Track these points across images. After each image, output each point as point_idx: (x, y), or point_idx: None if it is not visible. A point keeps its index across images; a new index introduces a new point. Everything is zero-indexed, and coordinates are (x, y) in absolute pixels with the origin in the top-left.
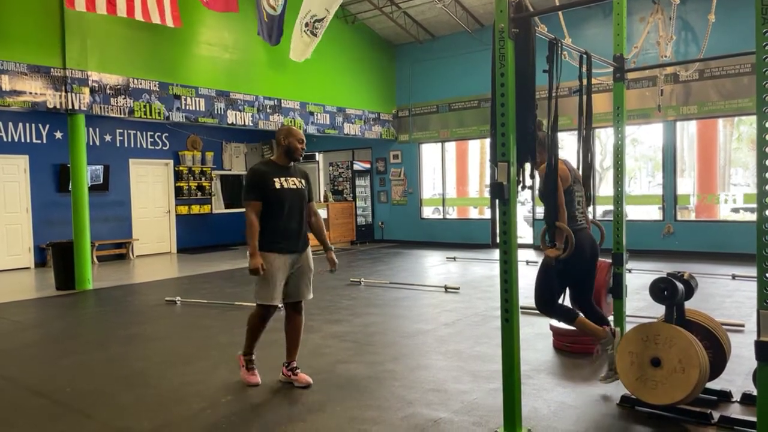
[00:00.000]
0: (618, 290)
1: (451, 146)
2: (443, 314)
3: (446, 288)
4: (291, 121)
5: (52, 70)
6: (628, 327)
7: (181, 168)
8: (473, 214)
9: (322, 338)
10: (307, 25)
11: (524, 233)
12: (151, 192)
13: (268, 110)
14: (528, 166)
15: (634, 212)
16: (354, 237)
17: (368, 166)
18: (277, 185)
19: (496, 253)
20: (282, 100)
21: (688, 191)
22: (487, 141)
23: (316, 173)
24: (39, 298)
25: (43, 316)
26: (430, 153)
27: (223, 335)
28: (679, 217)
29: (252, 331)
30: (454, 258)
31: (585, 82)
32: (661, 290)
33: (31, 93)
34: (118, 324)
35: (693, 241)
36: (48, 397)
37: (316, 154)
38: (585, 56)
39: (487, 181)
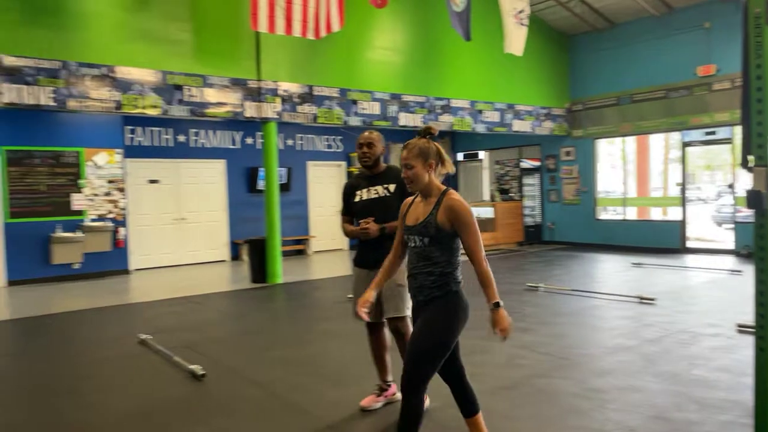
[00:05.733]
0: None
1: (629, 141)
2: (643, 329)
3: (641, 298)
4: (460, 121)
5: (248, 82)
6: None
7: (352, 169)
8: (656, 214)
9: (512, 348)
10: (515, 17)
11: (718, 236)
12: (326, 192)
13: (438, 110)
14: None
15: None
16: (521, 238)
17: (537, 163)
18: (357, 198)
19: (687, 260)
20: (451, 100)
21: None
22: (673, 136)
23: (479, 172)
24: (237, 290)
25: (242, 308)
26: (606, 149)
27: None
28: None
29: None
30: (640, 264)
31: None
32: None
33: (232, 104)
34: (310, 319)
35: None
36: (264, 388)
37: (481, 152)
38: None
39: (673, 179)
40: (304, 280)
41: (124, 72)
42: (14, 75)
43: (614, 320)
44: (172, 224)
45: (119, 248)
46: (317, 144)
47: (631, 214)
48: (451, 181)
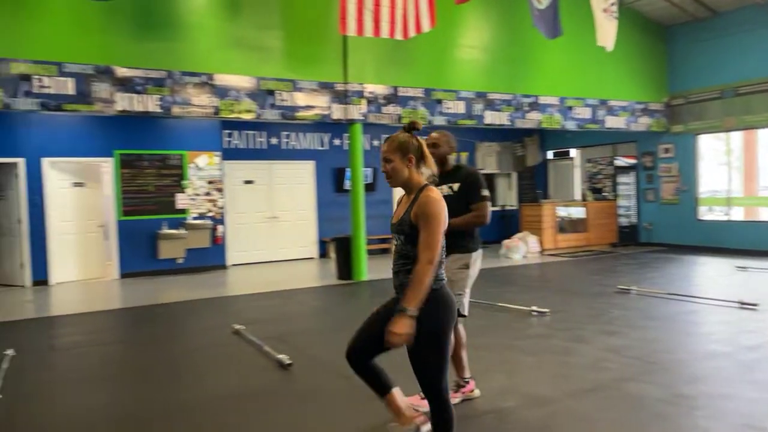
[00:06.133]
0: None
1: (734, 137)
2: (742, 335)
3: (741, 303)
4: (548, 118)
5: (335, 85)
6: None
7: None
8: (765, 215)
9: (599, 351)
10: (605, 10)
11: None
12: None
13: (525, 108)
14: None
15: None
16: (615, 239)
17: (633, 161)
18: None
19: None
20: (539, 97)
21: None
22: None
23: (570, 171)
24: (324, 286)
25: (329, 303)
26: (708, 145)
27: (491, 336)
28: None
29: None
30: (745, 267)
31: None
32: None
33: (320, 107)
34: None
35: None
36: (346, 379)
37: (572, 150)
38: None
39: None
40: (388, 278)
41: (222, 79)
42: (126, 85)
43: (710, 325)
44: (265, 223)
45: (217, 245)
46: None
47: (737, 214)
48: (541, 180)
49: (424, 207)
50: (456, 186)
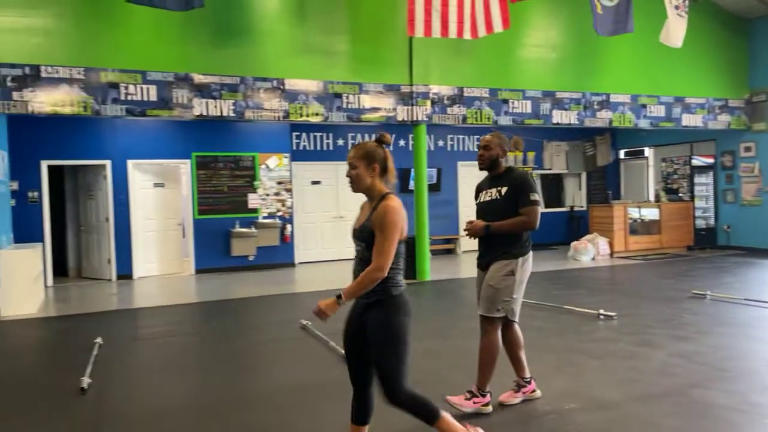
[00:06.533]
0: None
1: None
2: None
3: None
4: (620, 117)
5: (401, 87)
6: None
7: None
8: None
9: (667, 356)
10: (677, 7)
11: None
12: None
13: (595, 106)
14: None
15: None
16: (691, 242)
17: (711, 160)
18: (480, 199)
19: None
20: (610, 95)
21: None
22: None
23: (644, 170)
24: None
25: None
26: None
27: (556, 338)
28: None
29: None
30: None
31: None
32: None
33: (385, 109)
34: (454, 315)
35: None
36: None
37: (646, 149)
38: None
39: None
40: (452, 279)
41: (292, 83)
42: (203, 91)
43: None
44: (332, 222)
45: (286, 243)
46: (468, 144)
47: None
48: (612, 180)
49: (383, 215)
50: (504, 190)
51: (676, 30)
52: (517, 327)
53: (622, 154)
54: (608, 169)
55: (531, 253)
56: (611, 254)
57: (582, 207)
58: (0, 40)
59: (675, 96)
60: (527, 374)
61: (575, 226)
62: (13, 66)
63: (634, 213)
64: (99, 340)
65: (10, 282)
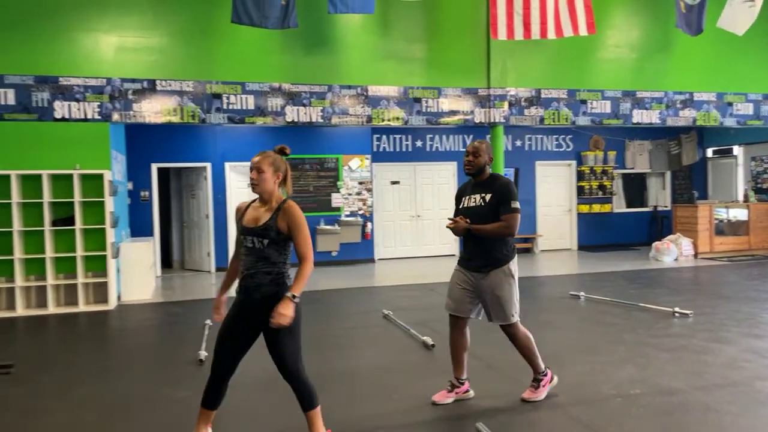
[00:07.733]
0: None
1: None
2: None
3: None
4: (704, 115)
5: (478, 90)
6: None
7: (583, 168)
8: None
9: (739, 351)
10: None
11: None
12: (555, 191)
13: (677, 105)
14: None
15: None
16: None
17: None
18: (462, 205)
19: None
20: (694, 93)
21: None
22: None
23: (732, 169)
24: None
25: None
26: None
27: (628, 333)
28: None
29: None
30: None
31: None
32: None
33: (463, 112)
34: (530, 310)
35: None
36: (481, 360)
37: (735, 147)
38: None
39: None
40: (530, 276)
41: (374, 90)
42: (294, 99)
43: None
44: (410, 221)
45: (366, 240)
46: (546, 144)
47: None
48: (698, 179)
49: (294, 216)
50: (488, 196)
51: (743, 20)
52: (467, 330)
53: (709, 152)
54: (694, 168)
55: (516, 257)
56: (695, 255)
57: (666, 207)
58: (124, 58)
59: (764, 93)
60: (464, 376)
61: (658, 227)
62: (133, 81)
63: (720, 213)
64: (208, 321)
65: (130, 271)
